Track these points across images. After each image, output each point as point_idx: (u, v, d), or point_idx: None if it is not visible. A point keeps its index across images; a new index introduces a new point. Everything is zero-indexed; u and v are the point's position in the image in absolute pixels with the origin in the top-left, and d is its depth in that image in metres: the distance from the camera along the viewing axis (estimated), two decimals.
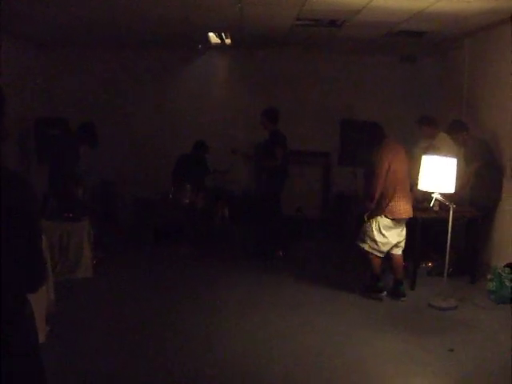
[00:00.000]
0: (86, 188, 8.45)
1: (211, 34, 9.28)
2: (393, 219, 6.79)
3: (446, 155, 7.08)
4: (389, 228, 6.83)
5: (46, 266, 2.57)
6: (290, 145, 8.95)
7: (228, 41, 9.74)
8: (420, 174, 6.85)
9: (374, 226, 6.85)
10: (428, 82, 10.64)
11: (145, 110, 11.13)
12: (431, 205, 6.97)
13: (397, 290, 7.06)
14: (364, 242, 6.97)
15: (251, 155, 9.85)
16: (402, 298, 6.99)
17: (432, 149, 8.08)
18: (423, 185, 6.84)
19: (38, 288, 2.55)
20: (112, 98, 10.97)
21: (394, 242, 6.90)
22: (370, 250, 6.95)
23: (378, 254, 6.96)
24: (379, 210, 6.81)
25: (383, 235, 6.84)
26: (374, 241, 6.87)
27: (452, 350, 5.46)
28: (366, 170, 7.44)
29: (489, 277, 7.07)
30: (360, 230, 7.07)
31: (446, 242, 6.73)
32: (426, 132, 8.26)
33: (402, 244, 7.00)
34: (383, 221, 6.82)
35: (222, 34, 9.30)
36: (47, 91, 10.71)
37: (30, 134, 10.08)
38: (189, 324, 6.14)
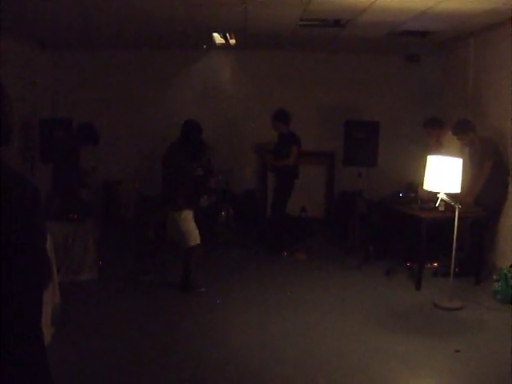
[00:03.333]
0: (90, 188, 8.45)
1: (215, 35, 9.27)
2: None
3: (449, 153, 7.09)
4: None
5: (51, 266, 2.56)
6: None
7: (232, 41, 9.73)
8: (425, 174, 6.85)
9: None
10: (432, 81, 10.62)
11: (149, 110, 11.13)
12: (437, 205, 6.96)
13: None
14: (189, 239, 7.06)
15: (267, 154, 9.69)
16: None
17: (438, 146, 8.12)
18: (428, 185, 6.83)
19: (42, 289, 2.54)
20: (116, 98, 10.98)
21: None
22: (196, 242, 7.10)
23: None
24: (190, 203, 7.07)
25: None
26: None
27: (458, 351, 5.45)
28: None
29: (494, 277, 7.06)
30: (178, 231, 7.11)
31: (452, 243, 6.72)
32: (433, 134, 8.33)
33: None
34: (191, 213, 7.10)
35: (227, 35, 9.29)
36: (52, 92, 10.73)
37: (35, 135, 10.08)
38: (194, 324, 6.14)
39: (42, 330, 2.56)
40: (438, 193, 6.74)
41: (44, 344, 2.58)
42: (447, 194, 6.68)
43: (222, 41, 9.71)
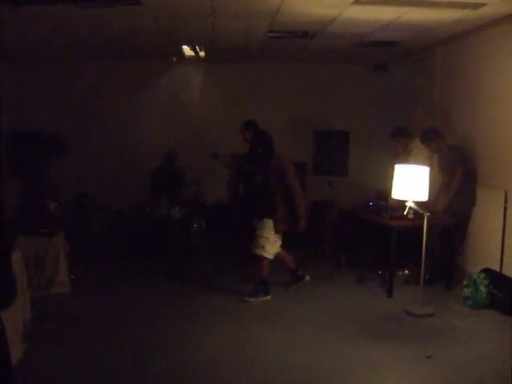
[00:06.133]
0: (60, 201, 8.40)
1: (185, 47, 9.29)
2: None
3: (417, 162, 7.19)
4: None
5: (14, 282, 2.54)
6: None
7: (202, 53, 9.76)
8: (393, 183, 6.91)
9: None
10: (401, 90, 10.73)
11: (120, 123, 11.10)
12: (405, 213, 7.01)
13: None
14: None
15: (230, 165, 9.66)
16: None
17: (406, 155, 8.20)
18: (397, 193, 6.89)
19: (7, 305, 2.51)
20: (87, 110, 10.94)
21: None
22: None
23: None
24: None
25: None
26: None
27: (430, 357, 5.49)
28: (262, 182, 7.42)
29: (464, 283, 7.13)
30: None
31: (422, 250, 6.79)
32: (400, 144, 8.41)
33: None
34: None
35: (196, 47, 9.32)
36: (21, 105, 10.64)
37: (5, 149, 10.01)
38: (171, 336, 6.11)
39: (7, 345, 2.54)
40: (407, 201, 6.81)
41: (10, 359, 2.56)
42: (416, 202, 6.75)
43: (192, 53, 9.73)
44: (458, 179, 7.68)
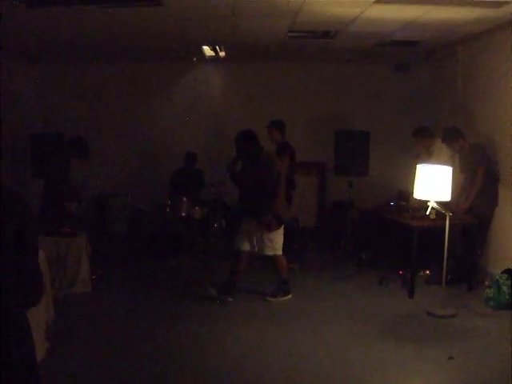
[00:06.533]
0: (82, 202, 8.46)
1: (205, 47, 9.31)
2: None
3: (439, 162, 7.15)
4: None
5: (42, 280, 2.57)
6: None
7: (222, 53, 9.77)
8: (415, 183, 6.89)
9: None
10: (423, 90, 10.68)
11: (140, 123, 11.14)
12: (427, 213, 6.98)
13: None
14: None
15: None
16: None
17: (428, 155, 8.16)
18: (419, 193, 6.87)
19: (35, 303, 2.55)
20: (107, 111, 11.00)
21: None
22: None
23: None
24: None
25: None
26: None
27: (452, 358, 5.46)
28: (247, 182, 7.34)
29: (487, 283, 7.09)
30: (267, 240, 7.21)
31: (444, 250, 6.75)
32: (422, 144, 8.37)
33: None
34: None
35: (216, 47, 9.34)
36: (43, 106, 10.73)
37: (26, 150, 10.09)
38: (190, 337, 6.12)
39: (33, 344, 2.56)
40: (429, 201, 6.78)
41: (35, 358, 2.58)
42: (438, 202, 6.71)
43: (212, 53, 9.76)
44: (480, 178, 7.63)
